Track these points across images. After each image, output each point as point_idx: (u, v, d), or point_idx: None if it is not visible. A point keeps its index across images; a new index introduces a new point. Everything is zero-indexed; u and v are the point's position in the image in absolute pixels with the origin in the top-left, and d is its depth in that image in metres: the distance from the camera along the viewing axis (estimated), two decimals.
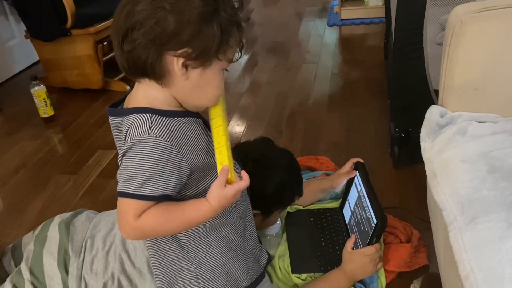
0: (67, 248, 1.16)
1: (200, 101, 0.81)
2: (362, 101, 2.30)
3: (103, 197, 1.76)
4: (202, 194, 0.81)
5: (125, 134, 0.77)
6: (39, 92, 2.33)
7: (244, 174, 0.78)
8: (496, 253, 0.72)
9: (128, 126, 0.76)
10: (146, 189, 0.73)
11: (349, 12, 3.44)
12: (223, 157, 0.77)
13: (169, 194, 0.76)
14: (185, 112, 0.81)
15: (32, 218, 1.69)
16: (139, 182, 0.73)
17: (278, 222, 1.39)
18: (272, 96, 2.47)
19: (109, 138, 2.18)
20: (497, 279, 0.69)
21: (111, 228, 1.22)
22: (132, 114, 0.77)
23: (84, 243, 1.19)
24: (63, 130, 2.34)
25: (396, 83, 1.70)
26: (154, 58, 0.72)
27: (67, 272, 1.14)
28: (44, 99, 2.35)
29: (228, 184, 0.76)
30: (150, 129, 0.74)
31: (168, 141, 0.74)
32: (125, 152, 0.75)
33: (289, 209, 1.48)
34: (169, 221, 0.76)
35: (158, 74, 0.75)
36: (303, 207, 1.51)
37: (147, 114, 0.75)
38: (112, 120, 0.83)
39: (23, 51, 3.09)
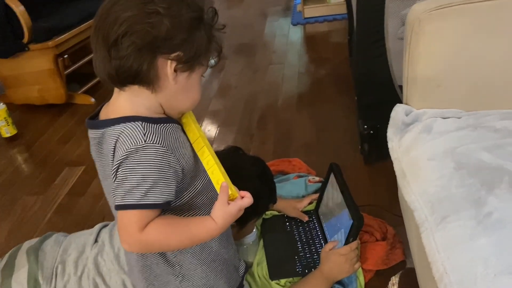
0: (37, 277, 1.12)
1: (185, 105, 0.82)
2: (330, 99, 2.31)
3: (73, 217, 1.71)
4: (190, 202, 0.82)
5: (113, 146, 0.74)
6: None
7: (246, 193, 0.78)
8: (467, 252, 0.73)
9: (117, 136, 0.74)
10: (150, 198, 0.72)
11: (312, 10, 3.46)
12: (217, 176, 0.77)
13: (171, 200, 0.75)
14: (169, 118, 0.80)
15: None
16: (143, 191, 0.71)
17: (254, 230, 1.38)
18: (241, 100, 2.45)
19: (76, 154, 2.12)
20: (470, 279, 0.69)
21: (82, 251, 1.18)
22: (119, 124, 0.75)
23: (54, 269, 1.15)
24: (27, 149, 2.26)
25: (361, 81, 1.71)
26: (148, 62, 0.72)
27: None
28: (5, 118, 2.27)
29: (230, 200, 0.76)
30: (145, 136, 0.73)
31: (164, 147, 0.74)
32: (120, 163, 0.72)
33: (264, 215, 1.47)
34: (174, 234, 0.76)
35: (150, 80, 0.74)
36: (278, 212, 1.50)
37: (137, 122, 0.74)
38: (93, 133, 0.81)
39: None
